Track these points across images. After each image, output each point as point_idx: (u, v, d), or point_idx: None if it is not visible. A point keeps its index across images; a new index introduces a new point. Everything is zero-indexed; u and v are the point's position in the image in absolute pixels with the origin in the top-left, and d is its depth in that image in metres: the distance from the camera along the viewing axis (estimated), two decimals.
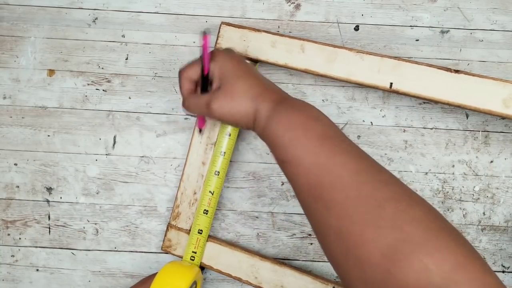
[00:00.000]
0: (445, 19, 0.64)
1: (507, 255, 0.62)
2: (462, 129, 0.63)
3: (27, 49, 0.66)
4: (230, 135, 0.58)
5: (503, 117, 0.54)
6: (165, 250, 0.61)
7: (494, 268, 0.62)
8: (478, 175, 0.63)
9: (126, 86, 0.66)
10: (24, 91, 0.66)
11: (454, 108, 0.56)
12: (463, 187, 0.63)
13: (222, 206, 0.64)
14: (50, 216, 0.65)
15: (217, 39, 0.61)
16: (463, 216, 0.62)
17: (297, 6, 0.65)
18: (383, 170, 0.41)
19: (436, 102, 0.56)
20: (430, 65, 0.56)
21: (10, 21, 0.66)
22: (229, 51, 0.53)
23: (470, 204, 0.62)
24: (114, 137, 0.65)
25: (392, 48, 0.64)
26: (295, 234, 0.64)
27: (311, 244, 0.63)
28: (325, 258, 0.63)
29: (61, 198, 0.65)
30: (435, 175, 0.63)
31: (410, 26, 0.64)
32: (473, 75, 0.55)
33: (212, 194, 0.59)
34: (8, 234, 0.65)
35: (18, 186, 0.65)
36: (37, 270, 0.65)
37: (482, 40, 0.64)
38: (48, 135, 0.66)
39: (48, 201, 0.65)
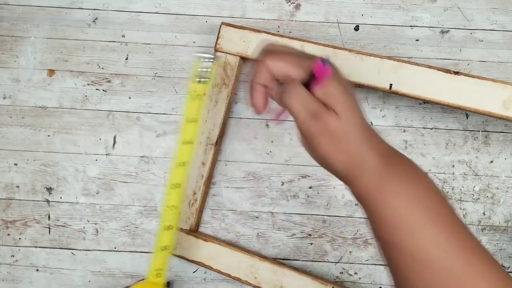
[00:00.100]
0: (445, 19, 0.64)
1: (507, 255, 0.62)
2: (462, 129, 0.63)
3: (27, 49, 0.66)
4: (189, 143, 0.54)
5: (503, 119, 0.54)
6: None
7: None
8: (478, 175, 0.63)
9: (126, 86, 0.66)
10: (24, 91, 0.66)
11: (454, 108, 0.56)
12: (463, 187, 0.63)
13: (222, 206, 0.64)
14: (50, 216, 0.65)
15: (217, 40, 0.61)
16: (463, 216, 0.62)
17: (297, 6, 0.65)
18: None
19: (435, 103, 0.56)
20: (430, 67, 0.56)
21: (10, 21, 0.66)
22: (346, 85, 0.38)
23: (470, 204, 0.63)
24: (114, 137, 0.65)
25: (392, 48, 0.64)
26: (295, 234, 0.64)
27: (311, 244, 0.63)
28: (325, 258, 0.63)
29: (61, 198, 0.65)
30: (435, 175, 0.63)
31: (410, 26, 0.64)
32: (473, 76, 0.55)
33: (174, 208, 0.56)
34: (8, 234, 0.65)
35: (18, 186, 0.65)
36: (37, 270, 0.65)
37: (482, 40, 0.63)
38: (48, 135, 0.66)
39: (48, 201, 0.65)
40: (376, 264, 0.63)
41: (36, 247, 0.65)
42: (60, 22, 0.66)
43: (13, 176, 0.66)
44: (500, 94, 0.54)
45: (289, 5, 0.65)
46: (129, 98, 0.66)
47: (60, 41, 0.66)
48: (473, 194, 0.63)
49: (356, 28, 0.64)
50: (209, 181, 0.63)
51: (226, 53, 0.61)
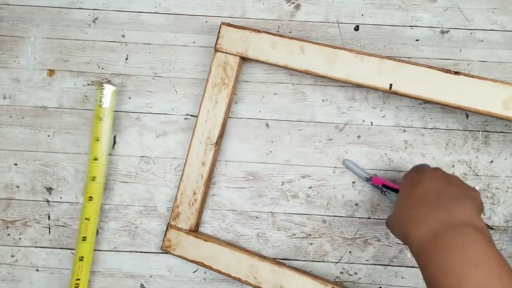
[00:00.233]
0: (445, 19, 0.64)
1: (507, 255, 0.62)
2: (462, 129, 0.63)
3: (27, 49, 0.66)
4: (97, 160, 0.62)
5: (503, 119, 0.54)
6: (165, 250, 0.61)
7: None
8: (478, 175, 0.63)
9: (126, 86, 0.66)
10: (24, 91, 0.66)
11: (454, 108, 0.56)
12: None
13: (222, 206, 0.64)
14: (50, 216, 0.65)
15: (217, 40, 0.61)
16: None
17: (297, 6, 0.65)
18: None
19: (435, 103, 0.56)
20: (430, 67, 0.56)
21: (10, 21, 0.66)
22: (413, 174, 0.53)
23: None
24: (114, 137, 0.65)
25: (392, 48, 0.64)
26: (295, 234, 0.64)
27: (311, 244, 0.63)
28: (325, 258, 0.63)
29: (61, 198, 0.65)
30: None
31: (410, 26, 0.64)
32: (473, 76, 0.54)
33: (89, 220, 0.62)
34: (8, 234, 0.65)
35: (18, 186, 0.65)
36: (37, 270, 0.65)
37: (482, 40, 0.63)
38: (48, 135, 0.66)
39: (48, 201, 0.65)
40: (376, 264, 0.63)
41: (36, 247, 0.65)
42: (60, 22, 0.66)
43: (13, 176, 0.66)
44: (500, 94, 0.54)
45: (289, 5, 0.65)
46: (129, 98, 0.66)
47: (60, 41, 0.66)
48: None
49: (356, 28, 0.64)
50: (209, 181, 0.63)
51: (226, 53, 0.61)
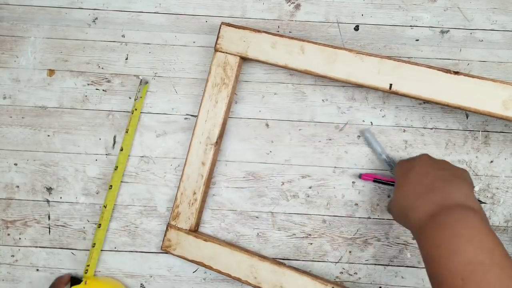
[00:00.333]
0: (445, 19, 0.64)
1: None
2: (462, 129, 0.63)
3: (27, 49, 0.66)
4: (122, 150, 0.64)
5: (503, 119, 0.54)
6: (165, 250, 0.61)
7: None
8: (478, 175, 0.63)
9: (126, 86, 0.66)
10: (24, 91, 0.66)
11: (454, 108, 0.56)
12: None
13: (222, 206, 0.64)
14: (50, 216, 0.65)
15: (217, 40, 0.61)
16: None
17: (297, 6, 0.65)
18: None
19: (435, 103, 0.56)
20: (430, 67, 0.56)
21: (10, 21, 0.66)
22: (407, 161, 0.56)
23: None
24: (114, 137, 0.65)
25: (392, 48, 0.64)
26: (295, 234, 0.64)
27: (311, 244, 0.63)
28: (325, 258, 0.63)
29: (61, 198, 0.65)
30: None
31: (410, 26, 0.64)
32: (473, 76, 0.54)
33: (106, 208, 0.63)
34: (8, 234, 0.65)
35: (18, 186, 0.65)
36: (37, 270, 0.65)
37: (482, 40, 0.63)
38: (48, 135, 0.66)
39: (48, 201, 0.65)
40: (376, 264, 0.63)
41: (36, 247, 0.65)
42: (60, 22, 0.66)
43: (13, 176, 0.66)
44: (500, 94, 0.54)
45: (289, 5, 0.65)
46: (129, 98, 0.66)
47: (60, 41, 0.66)
48: None
49: (356, 28, 0.64)
50: (209, 181, 0.63)
51: (226, 53, 0.61)
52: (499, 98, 0.54)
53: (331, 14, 0.65)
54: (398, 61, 0.56)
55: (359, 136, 0.63)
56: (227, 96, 0.61)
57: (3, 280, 0.65)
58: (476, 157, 0.63)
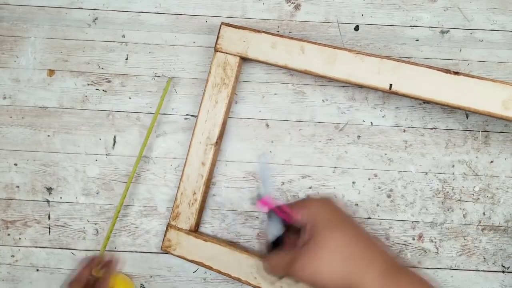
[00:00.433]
0: (445, 19, 0.64)
1: (507, 255, 0.62)
2: (462, 129, 0.63)
3: (27, 49, 0.66)
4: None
5: (503, 119, 0.54)
6: (165, 250, 0.61)
7: (494, 269, 0.62)
8: (478, 175, 0.63)
9: (126, 86, 0.66)
10: (24, 91, 0.66)
11: (454, 108, 0.56)
12: (463, 187, 0.63)
13: (222, 206, 0.64)
14: (50, 216, 0.65)
15: (217, 40, 0.61)
16: (463, 216, 0.62)
17: (297, 6, 0.65)
18: None
19: (435, 103, 0.56)
20: (430, 67, 0.56)
21: (10, 21, 0.66)
22: (325, 199, 0.43)
23: (470, 204, 0.62)
24: (114, 137, 0.65)
25: (392, 48, 0.64)
26: None
27: None
28: None
29: (61, 198, 0.65)
30: (435, 175, 0.63)
31: (410, 26, 0.64)
32: (473, 76, 0.55)
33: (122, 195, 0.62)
34: (8, 234, 0.65)
35: (18, 186, 0.66)
36: (37, 270, 0.65)
37: (482, 40, 0.63)
38: (48, 135, 0.66)
39: (48, 201, 0.65)
40: None
41: (36, 247, 0.65)
42: (60, 22, 0.66)
43: (13, 176, 0.66)
44: (500, 94, 0.54)
45: (289, 5, 0.65)
46: (129, 98, 0.66)
47: (60, 41, 0.66)
48: (473, 194, 0.63)
49: (356, 28, 0.65)
50: (209, 181, 0.63)
51: (226, 53, 0.61)
52: (499, 98, 0.54)
53: (331, 14, 0.65)
54: (398, 61, 0.56)
55: (359, 136, 0.63)
56: (227, 96, 0.61)
57: (3, 280, 0.65)
58: (476, 157, 0.63)
